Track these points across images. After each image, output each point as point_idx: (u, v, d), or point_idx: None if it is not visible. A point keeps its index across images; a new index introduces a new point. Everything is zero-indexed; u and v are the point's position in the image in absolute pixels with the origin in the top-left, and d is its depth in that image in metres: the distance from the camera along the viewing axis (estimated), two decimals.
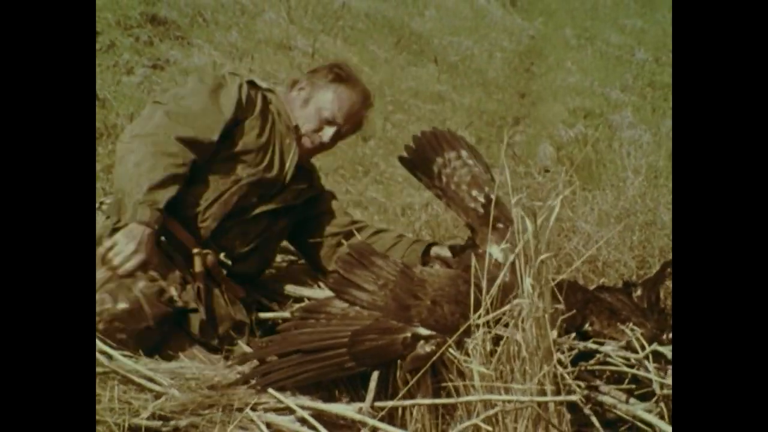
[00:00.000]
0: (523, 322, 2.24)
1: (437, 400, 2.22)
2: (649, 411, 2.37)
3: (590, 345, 2.52)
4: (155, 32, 6.01)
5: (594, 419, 2.29)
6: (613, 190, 4.88)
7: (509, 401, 2.16)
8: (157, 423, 2.10)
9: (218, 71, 2.63)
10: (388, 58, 6.69)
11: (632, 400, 2.44)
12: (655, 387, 2.36)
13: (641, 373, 2.42)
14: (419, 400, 2.22)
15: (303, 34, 6.38)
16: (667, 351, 2.47)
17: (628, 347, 2.51)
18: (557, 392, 2.24)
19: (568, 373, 2.30)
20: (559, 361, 2.33)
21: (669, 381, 2.38)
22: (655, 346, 2.42)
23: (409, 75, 6.59)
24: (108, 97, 5.35)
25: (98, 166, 4.84)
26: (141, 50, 5.83)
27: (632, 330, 2.56)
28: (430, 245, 2.92)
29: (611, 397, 2.44)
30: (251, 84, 2.78)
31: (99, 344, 2.17)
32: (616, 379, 2.52)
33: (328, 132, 2.81)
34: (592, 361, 2.47)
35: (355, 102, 2.87)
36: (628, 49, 7.38)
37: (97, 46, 5.75)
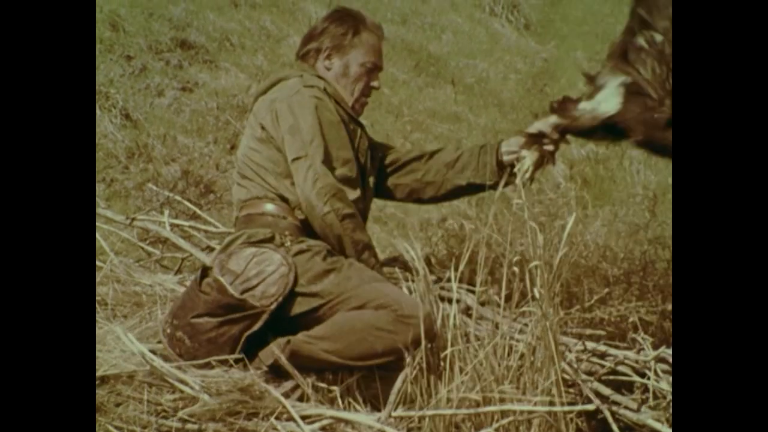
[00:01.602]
0: (533, 329, 2.32)
1: (458, 411, 2.27)
2: (659, 420, 2.40)
3: (599, 347, 2.62)
4: (185, 56, 6.20)
5: (614, 427, 2.34)
6: (622, 206, 4.98)
7: (527, 411, 2.22)
8: (191, 426, 2.21)
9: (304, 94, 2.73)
10: (406, 79, 6.82)
11: (643, 408, 2.44)
12: (665, 394, 2.43)
13: (651, 382, 2.47)
14: (440, 411, 2.29)
15: None
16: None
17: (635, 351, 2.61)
18: (568, 400, 2.30)
19: (582, 381, 2.41)
20: (569, 366, 2.45)
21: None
22: (662, 350, 2.49)
23: (427, 96, 6.72)
24: (140, 118, 5.54)
25: (130, 184, 5.01)
26: (171, 73, 6.02)
27: (643, 338, 2.62)
28: (498, 145, 2.97)
29: (625, 407, 2.44)
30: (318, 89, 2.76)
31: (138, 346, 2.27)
32: (627, 386, 2.55)
33: (376, 81, 2.88)
34: (602, 371, 2.57)
35: (378, 40, 2.91)
36: None
37: (129, 70, 5.96)
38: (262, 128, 2.72)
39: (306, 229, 2.67)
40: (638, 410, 2.44)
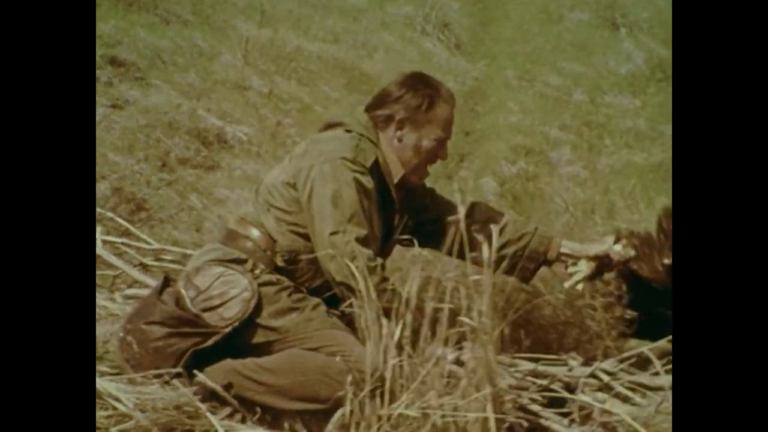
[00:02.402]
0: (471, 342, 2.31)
1: None
2: None
3: (539, 368, 2.68)
4: (115, 73, 6.12)
5: None
6: (549, 223, 5.06)
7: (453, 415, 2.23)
8: None
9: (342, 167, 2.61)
10: (339, 97, 6.84)
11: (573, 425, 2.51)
12: (595, 413, 2.49)
13: (582, 398, 2.55)
14: None
15: (258, 75, 6.53)
16: (604, 373, 2.64)
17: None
18: (499, 413, 2.30)
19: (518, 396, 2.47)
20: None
21: (609, 406, 2.52)
22: (596, 366, 2.57)
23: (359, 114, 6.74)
24: None
25: None
26: (101, 90, 5.93)
27: (573, 358, 2.71)
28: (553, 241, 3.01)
29: (554, 423, 2.51)
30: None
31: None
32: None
33: (444, 152, 2.80)
34: (533, 388, 2.62)
35: (451, 110, 2.82)
36: (566, 91, 7.51)
37: None
38: (293, 186, 2.66)
39: (279, 271, 2.66)
40: (569, 426, 2.50)
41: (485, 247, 2.30)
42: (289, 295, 2.58)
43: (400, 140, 2.74)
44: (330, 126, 2.79)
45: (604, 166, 6.08)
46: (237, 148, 5.57)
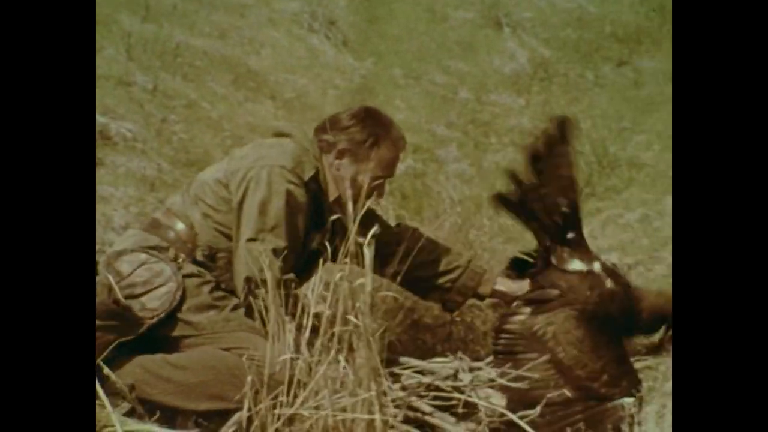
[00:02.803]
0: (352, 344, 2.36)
1: None
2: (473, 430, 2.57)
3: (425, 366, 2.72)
4: None
5: None
6: (434, 221, 5.13)
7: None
8: None
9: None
10: (225, 94, 6.76)
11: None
12: (481, 415, 2.58)
13: (471, 398, 2.62)
14: None
15: (142, 70, 6.39)
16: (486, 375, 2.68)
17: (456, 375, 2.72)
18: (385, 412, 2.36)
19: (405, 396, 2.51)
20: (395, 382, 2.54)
21: (500, 406, 2.59)
22: (477, 373, 2.63)
23: (246, 111, 6.69)
24: None
25: None
26: None
27: (461, 359, 2.76)
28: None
29: (439, 419, 2.60)
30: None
31: None
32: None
33: (382, 191, 2.81)
34: (419, 387, 2.68)
35: (397, 152, 2.81)
36: (452, 89, 7.58)
37: None
38: (226, 186, 2.64)
39: (199, 265, 2.60)
40: (456, 423, 2.59)
41: (367, 250, 2.32)
42: (210, 291, 2.56)
43: (338, 169, 2.74)
44: (277, 135, 2.76)
45: (490, 164, 6.17)
46: (121, 144, 5.43)
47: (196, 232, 2.60)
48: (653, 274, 3.96)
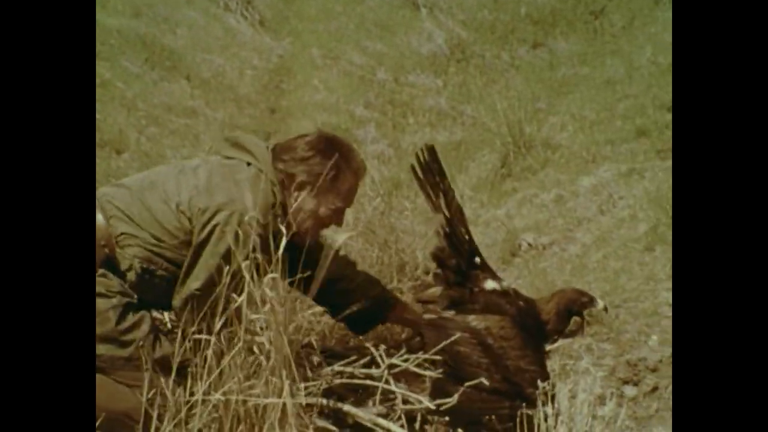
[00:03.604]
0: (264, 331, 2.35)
1: None
2: (385, 415, 2.57)
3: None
4: None
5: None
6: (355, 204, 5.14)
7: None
8: None
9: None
10: (140, 73, 6.66)
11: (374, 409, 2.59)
12: (398, 401, 2.57)
13: (388, 386, 2.61)
14: None
15: None
16: (402, 362, 2.66)
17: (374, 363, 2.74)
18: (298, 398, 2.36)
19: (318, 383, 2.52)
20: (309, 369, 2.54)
21: (413, 394, 2.61)
22: (392, 360, 2.62)
23: (161, 90, 6.61)
24: None
25: None
26: None
27: (376, 347, 2.76)
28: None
29: (353, 406, 2.58)
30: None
31: None
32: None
33: (340, 221, 2.69)
34: (334, 375, 2.69)
35: (357, 181, 2.69)
36: (370, 69, 7.60)
37: None
38: (189, 219, 2.49)
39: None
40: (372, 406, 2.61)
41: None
42: (118, 320, 2.42)
43: (295, 200, 2.59)
44: (234, 145, 2.65)
45: (408, 144, 6.21)
46: None
47: (129, 244, 2.47)
48: (567, 254, 4.03)
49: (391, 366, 2.67)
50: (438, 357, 2.66)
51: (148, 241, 2.49)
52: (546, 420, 2.26)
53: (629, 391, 2.72)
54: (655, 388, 2.71)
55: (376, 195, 3.93)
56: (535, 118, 5.76)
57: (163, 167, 2.74)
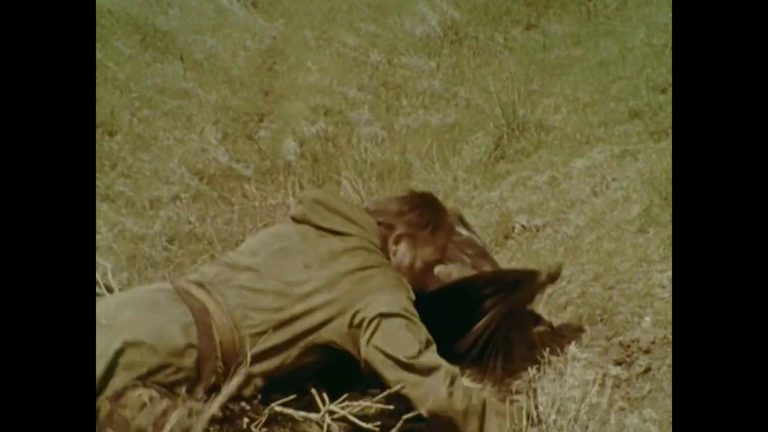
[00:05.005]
0: None
1: None
2: None
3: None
4: None
5: None
6: (350, 184, 5.14)
7: None
8: None
9: None
10: (133, 54, 6.66)
11: None
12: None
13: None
14: None
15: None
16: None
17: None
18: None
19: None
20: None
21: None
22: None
23: (154, 72, 6.60)
24: None
25: None
26: None
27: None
28: None
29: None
30: None
31: None
32: None
33: (429, 277, 2.65)
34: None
35: (450, 237, 2.69)
36: (363, 51, 7.58)
37: None
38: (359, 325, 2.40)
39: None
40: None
41: None
42: None
43: (393, 254, 2.57)
44: (330, 210, 2.55)
45: (402, 127, 6.21)
46: None
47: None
48: (560, 236, 4.04)
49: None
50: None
51: None
52: (537, 408, 2.26)
53: (621, 372, 2.73)
54: (647, 369, 2.72)
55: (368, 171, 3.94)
56: (528, 99, 5.75)
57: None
